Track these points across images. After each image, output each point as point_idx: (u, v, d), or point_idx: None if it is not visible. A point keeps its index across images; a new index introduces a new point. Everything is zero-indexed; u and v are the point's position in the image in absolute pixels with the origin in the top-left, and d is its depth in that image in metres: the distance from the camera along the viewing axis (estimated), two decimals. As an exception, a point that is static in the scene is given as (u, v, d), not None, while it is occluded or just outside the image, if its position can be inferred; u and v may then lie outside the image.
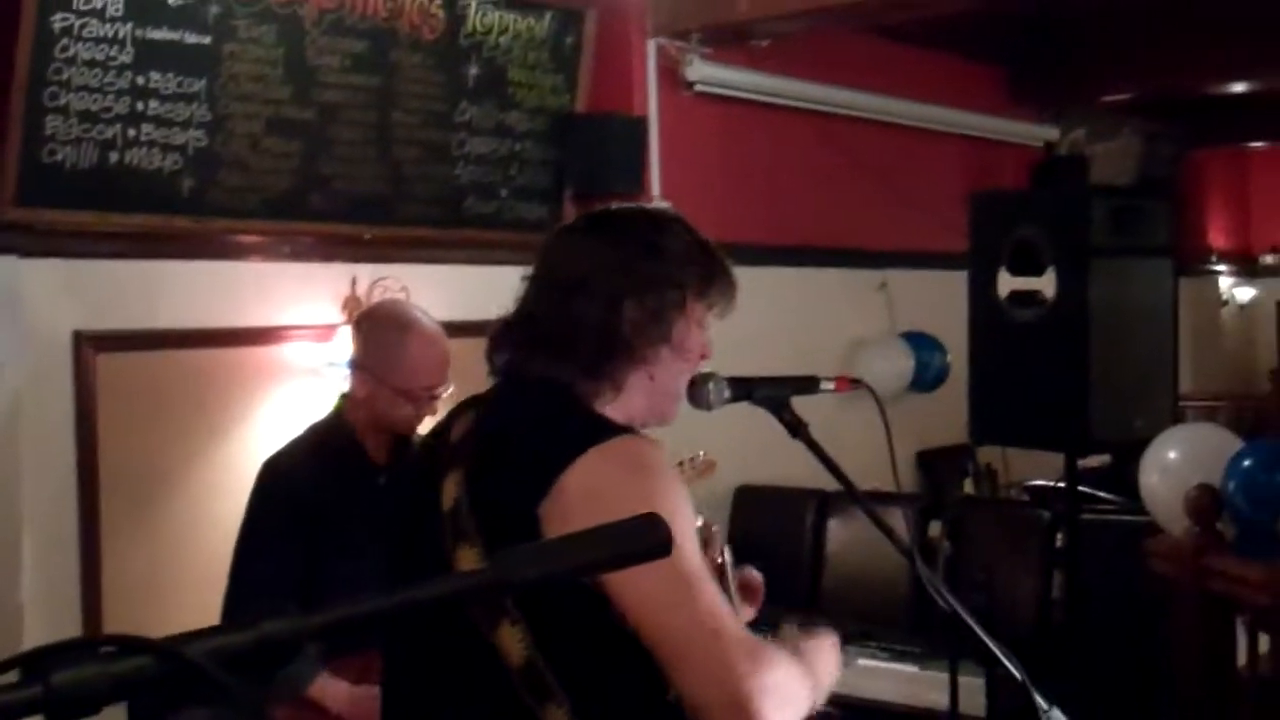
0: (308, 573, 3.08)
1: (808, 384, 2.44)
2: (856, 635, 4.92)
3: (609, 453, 1.82)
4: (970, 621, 2.23)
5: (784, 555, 5.56)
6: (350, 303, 4.53)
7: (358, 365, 3.19)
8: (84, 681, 0.95)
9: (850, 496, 2.34)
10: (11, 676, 0.93)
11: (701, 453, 3.38)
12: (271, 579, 3.05)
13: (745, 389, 2.32)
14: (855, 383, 2.52)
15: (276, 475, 3.19)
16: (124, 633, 1.00)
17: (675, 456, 3.25)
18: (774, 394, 2.37)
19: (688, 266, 2.03)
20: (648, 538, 1.21)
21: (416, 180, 4.92)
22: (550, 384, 1.95)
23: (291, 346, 4.45)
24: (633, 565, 1.26)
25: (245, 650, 1.04)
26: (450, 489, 1.90)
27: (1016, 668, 2.14)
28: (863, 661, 4.76)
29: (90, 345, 4.00)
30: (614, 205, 2.16)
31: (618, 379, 1.97)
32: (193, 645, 1.02)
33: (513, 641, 1.80)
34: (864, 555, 5.38)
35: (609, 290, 1.95)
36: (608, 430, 1.87)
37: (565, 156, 5.37)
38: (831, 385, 2.48)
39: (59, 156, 3.93)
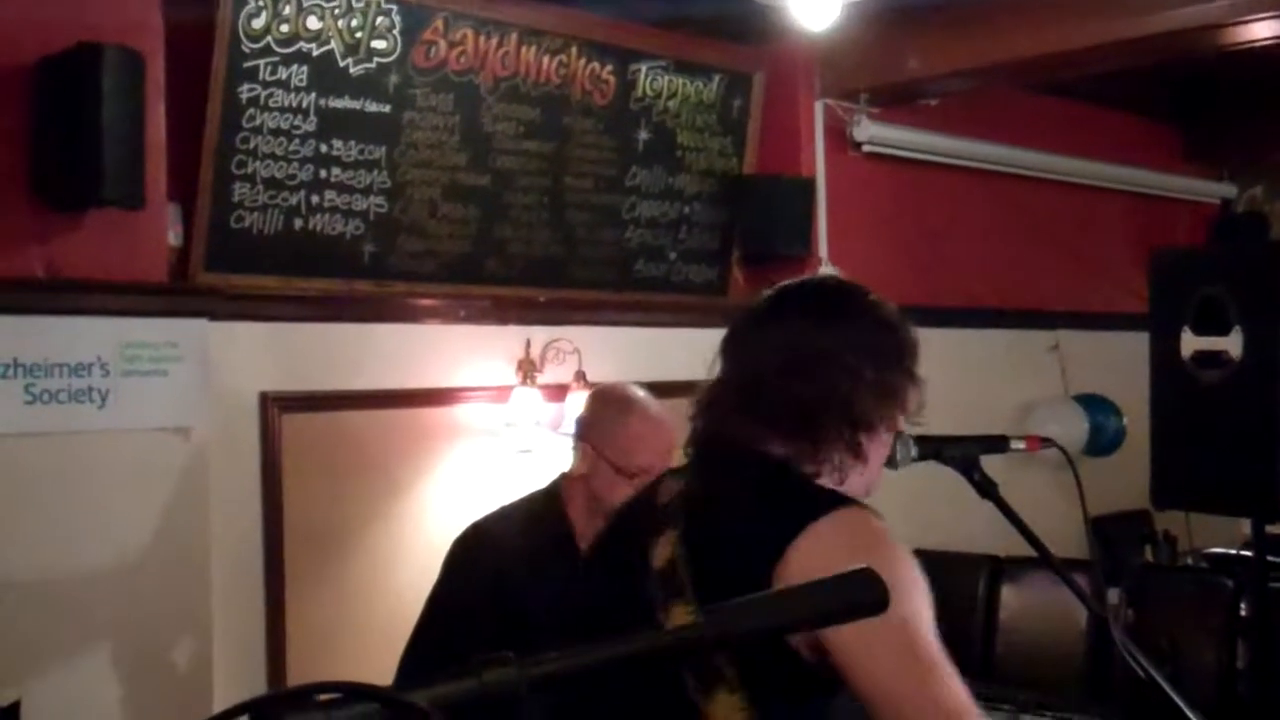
0: (494, 644, 3.06)
1: (997, 443, 2.40)
2: (1031, 705, 4.81)
3: (838, 523, 1.78)
4: (1166, 687, 2.17)
5: (956, 621, 5.45)
6: (524, 364, 4.59)
7: (581, 438, 3.19)
8: (316, 727, 0.97)
9: (1042, 558, 2.30)
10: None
11: None
12: (459, 640, 3.03)
13: (933, 448, 2.29)
14: (1046, 442, 2.47)
15: (481, 540, 3.17)
16: (350, 681, 1.02)
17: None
18: (964, 453, 2.34)
19: (907, 337, 2.00)
20: (864, 593, 1.19)
21: (588, 244, 4.98)
22: (766, 455, 1.91)
23: (467, 407, 4.53)
24: (846, 621, 1.24)
25: (468, 698, 1.05)
26: (664, 549, 1.87)
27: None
28: (1039, 731, 4.65)
29: (276, 406, 4.12)
30: (813, 276, 2.13)
31: (846, 454, 1.92)
32: (417, 693, 1.03)
33: (729, 710, 1.74)
34: (1039, 623, 5.26)
35: (854, 364, 1.91)
36: (835, 501, 1.82)
37: (733, 219, 5.39)
38: (1022, 445, 2.43)
39: (246, 222, 4.07)
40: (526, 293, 4.76)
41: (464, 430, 4.50)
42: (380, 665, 4.05)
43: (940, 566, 6.09)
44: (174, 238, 3.90)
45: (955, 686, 1.70)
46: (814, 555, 1.72)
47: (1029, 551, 2.33)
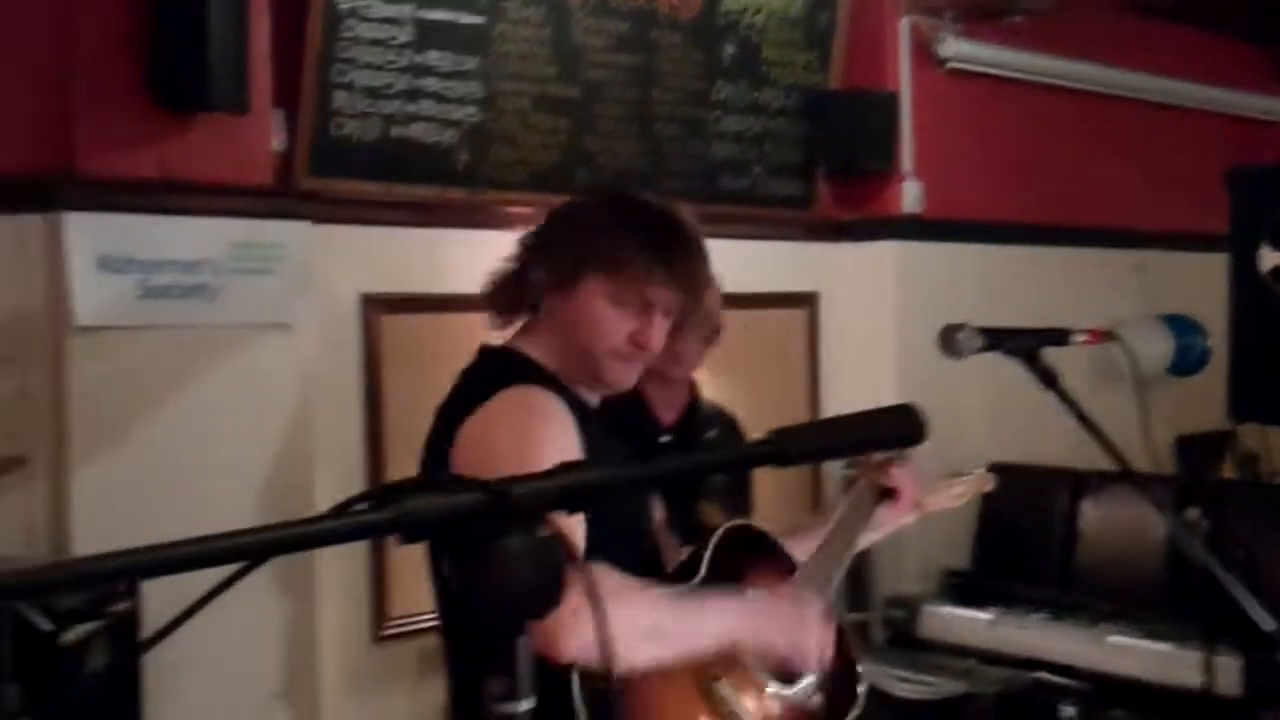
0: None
1: (1058, 336, 2.49)
2: (1108, 615, 4.90)
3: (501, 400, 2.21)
4: (1241, 596, 2.25)
5: (1036, 534, 5.56)
6: (611, 272, 4.72)
7: None
8: (429, 509, 1.12)
9: (1118, 467, 2.37)
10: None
11: (978, 469, 3.39)
12: None
13: (996, 338, 2.39)
14: (1107, 335, 2.56)
15: None
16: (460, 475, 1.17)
17: (951, 468, 3.32)
18: (1025, 344, 2.44)
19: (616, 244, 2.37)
20: (900, 425, 1.35)
21: (674, 157, 5.09)
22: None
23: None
24: (887, 448, 1.41)
25: (555, 495, 1.20)
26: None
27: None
28: (1113, 639, 4.74)
29: (376, 308, 4.30)
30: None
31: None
32: (516, 487, 1.18)
33: None
34: (1117, 536, 5.33)
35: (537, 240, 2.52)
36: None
37: (818, 133, 5.47)
38: (1083, 338, 2.53)
39: (346, 130, 4.22)
40: (614, 203, 4.88)
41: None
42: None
43: (1022, 479, 6.21)
44: (278, 143, 4.07)
45: None
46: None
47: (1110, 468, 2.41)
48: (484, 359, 2.50)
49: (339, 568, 4.25)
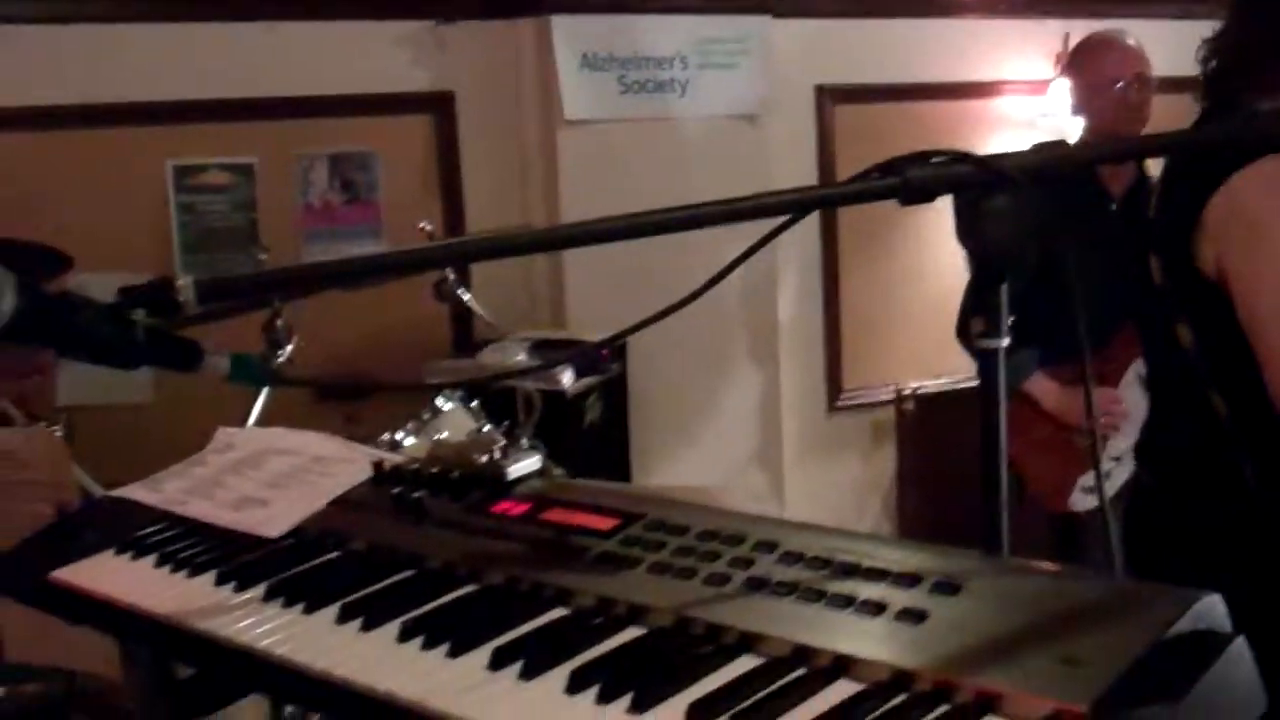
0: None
1: None
2: None
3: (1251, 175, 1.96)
4: None
5: None
6: (1061, 58, 4.73)
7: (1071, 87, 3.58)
8: (929, 177, 1.34)
9: None
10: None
11: None
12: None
13: None
14: None
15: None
16: (958, 149, 1.37)
17: None
18: None
19: None
20: None
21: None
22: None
23: (1006, 100, 4.75)
24: None
25: (1033, 167, 1.38)
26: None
27: None
28: None
29: (830, 98, 4.52)
30: None
31: None
32: (1006, 157, 1.37)
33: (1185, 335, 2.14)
34: None
35: None
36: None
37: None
38: None
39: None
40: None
41: (1002, 121, 4.73)
42: (927, 344, 4.47)
43: None
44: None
45: None
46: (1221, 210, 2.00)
47: None
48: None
49: (799, 343, 4.57)
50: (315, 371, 2.82)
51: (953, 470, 4.50)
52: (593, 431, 3.83)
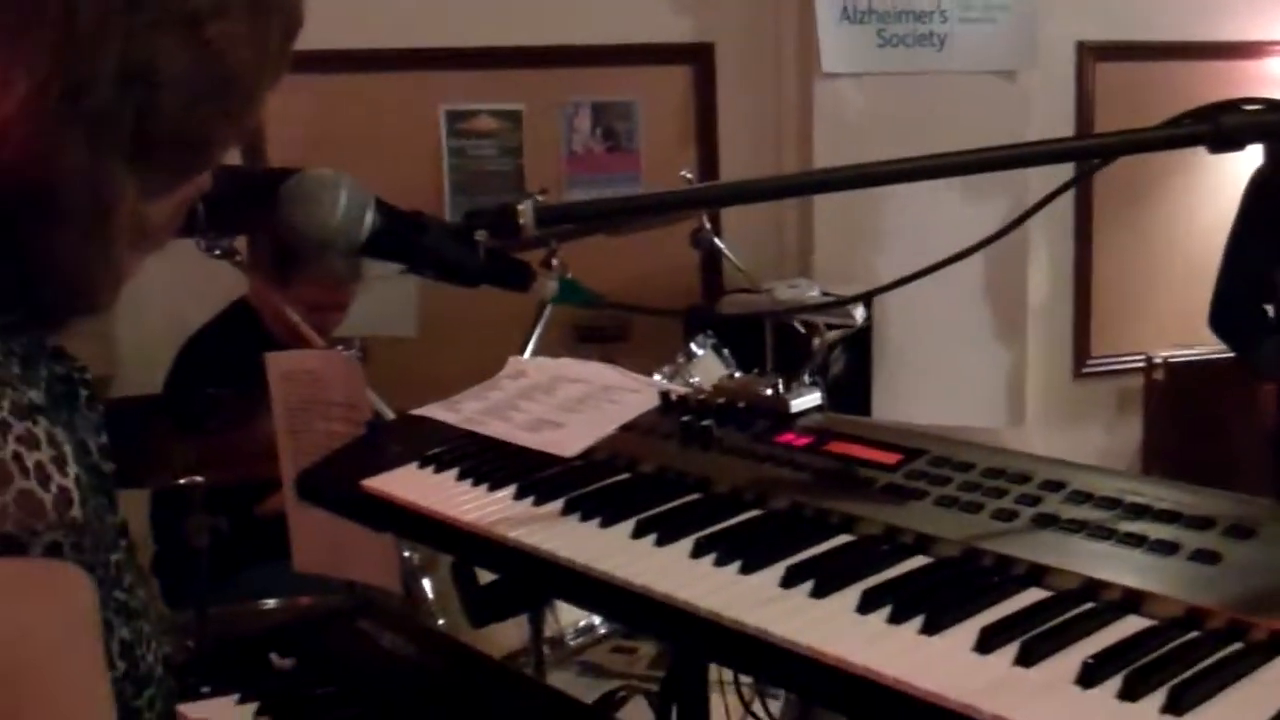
0: None
1: None
2: None
3: None
4: None
5: None
6: (1340, 18, 4.55)
7: None
8: (1242, 124, 1.34)
9: None
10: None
11: None
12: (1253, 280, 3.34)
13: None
14: None
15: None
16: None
17: None
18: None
19: None
20: None
21: None
22: None
23: (1276, 61, 4.58)
24: None
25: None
26: None
27: None
28: None
29: (1091, 55, 4.43)
30: None
31: None
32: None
33: None
34: None
35: None
36: None
37: None
38: None
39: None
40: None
41: (1270, 83, 4.56)
42: (1179, 309, 4.36)
43: None
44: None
45: None
46: None
47: None
48: None
49: (1047, 306, 4.51)
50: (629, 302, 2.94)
51: (1202, 446, 4.41)
52: (836, 385, 3.87)
